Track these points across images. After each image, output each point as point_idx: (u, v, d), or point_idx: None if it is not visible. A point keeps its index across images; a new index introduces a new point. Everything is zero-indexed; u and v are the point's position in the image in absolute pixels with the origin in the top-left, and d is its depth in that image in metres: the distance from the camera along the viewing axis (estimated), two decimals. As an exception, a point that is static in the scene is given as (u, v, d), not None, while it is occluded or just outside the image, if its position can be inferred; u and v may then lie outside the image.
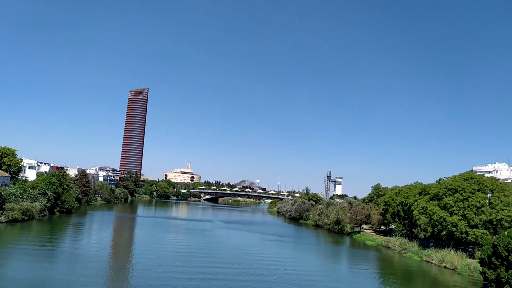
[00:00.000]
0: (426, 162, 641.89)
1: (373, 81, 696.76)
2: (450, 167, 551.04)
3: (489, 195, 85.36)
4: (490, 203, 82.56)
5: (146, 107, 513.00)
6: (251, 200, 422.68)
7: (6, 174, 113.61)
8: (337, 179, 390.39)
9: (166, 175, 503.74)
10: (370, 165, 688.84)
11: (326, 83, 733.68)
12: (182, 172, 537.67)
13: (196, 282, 49.53)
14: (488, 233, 78.55)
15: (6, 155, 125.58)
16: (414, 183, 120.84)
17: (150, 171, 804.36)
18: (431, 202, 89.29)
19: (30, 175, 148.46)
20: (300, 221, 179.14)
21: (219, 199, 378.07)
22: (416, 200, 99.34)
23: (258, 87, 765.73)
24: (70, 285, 44.27)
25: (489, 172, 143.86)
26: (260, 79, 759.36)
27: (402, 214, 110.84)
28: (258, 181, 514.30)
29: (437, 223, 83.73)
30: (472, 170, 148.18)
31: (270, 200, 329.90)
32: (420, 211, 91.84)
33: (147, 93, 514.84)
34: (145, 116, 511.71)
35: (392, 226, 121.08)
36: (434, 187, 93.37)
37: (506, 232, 60.68)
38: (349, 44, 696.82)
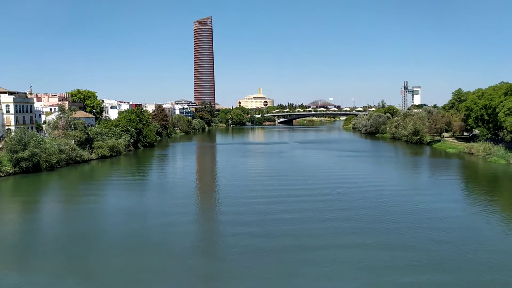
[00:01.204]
0: (509, 60, 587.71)
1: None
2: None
3: None
4: None
5: (212, 36, 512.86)
6: (326, 119, 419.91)
7: (90, 115, 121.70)
8: (414, 89, 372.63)
9: (239, 102, 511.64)
10: (450, 69, 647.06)
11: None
12: (254, 98, 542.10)
13: (278, 205, 49.93)
14: None
15: (87, 98, 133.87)
16: (499, 83, 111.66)
17: (224, 100, 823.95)
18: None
19: (113, 114, 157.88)
20: (377, 135, 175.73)
21: (294, 120, 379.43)
22: (501, 102, 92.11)
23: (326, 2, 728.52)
24: (164, 213, 46.85)
25: None
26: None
27: (486, 118, 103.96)
28: (331, 99, 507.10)
29: (525, 124, 77.72)
30: None
31: (345, 118, 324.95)
32: (506, 112, 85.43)
33: (211, 22, 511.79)
34: (212, 45, 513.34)
35: (476, 132, 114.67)
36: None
37: None
38: None
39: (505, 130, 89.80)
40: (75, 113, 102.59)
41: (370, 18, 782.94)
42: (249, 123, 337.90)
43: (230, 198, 54.70)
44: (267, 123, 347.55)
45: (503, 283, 27.46)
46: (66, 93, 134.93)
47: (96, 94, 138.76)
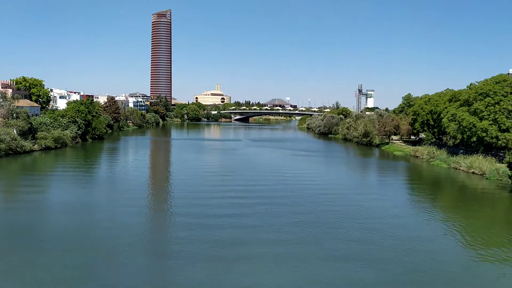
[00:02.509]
0: (459, 68, 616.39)
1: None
2: (485, 71, 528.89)
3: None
4: (524, 105, 78.69)
5: (171, 30, 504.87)
6: (282, 118, 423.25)
7: (35, 105, 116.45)
8: (368, 92, 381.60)
9: (196, 98, 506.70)
10: (402, 75, 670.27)
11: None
12: (212, 94, 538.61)
13: (227, 200, 49.86)
14: (520, 136, 75.69)
15: (34, 86, 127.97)
16: (444, 90, 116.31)
17: (181, 95, 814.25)
18: (460, 108, 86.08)
19: (61, 104, 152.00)
20: (329, 135, 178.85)
21: (250, 118, 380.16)
22: (446, 108, 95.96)
23: (285, 1, 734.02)
24: (112, 208, 45.24)
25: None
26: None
27: (432, 123, 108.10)
28: (288, 98, 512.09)
29: (466, 129, 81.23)
30: (509, 74, 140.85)
31: (300, 117, 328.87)
32: (449, 118, 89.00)
33: (170, 15, 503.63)
34: (170, 39, 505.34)
35: (422, 136, 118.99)
36: (465, 92, 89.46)
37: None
38: None
39: (448, 135, 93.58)
40: (18, 102, 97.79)
41: (328, 21, 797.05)
42: (205, 119, 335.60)
43: (177, 195, 53.81)
44: (223, 120, 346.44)
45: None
46: (11, 80, 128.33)
47: (44, 83, 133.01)
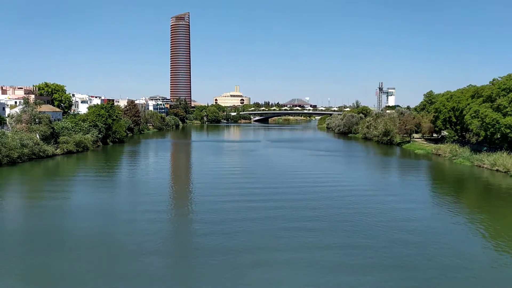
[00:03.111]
0: (482, 64, 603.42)
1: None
2: (509, 67, 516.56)
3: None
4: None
5: (189, 32, 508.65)
6: (302, 118, 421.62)
7: (58, 110, 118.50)
8: (389, 90, 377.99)
9: (216, 99, 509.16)
10: (423, 72, 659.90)
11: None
12: (231, 96, 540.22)
13: (245, 203, 49.36)
14: (546, 132, 73.39)
15: (56, 91, 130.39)
16: (467, 86, 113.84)
17: (201, 97, 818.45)
18: (483, 104, 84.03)
19: (83, 109, 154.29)
20: (349, 135, 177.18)
21: (270, 119, 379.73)
22: (468, 104, 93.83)
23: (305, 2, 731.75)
24: (134, 212, 45.21)
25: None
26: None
27: (454, 120, 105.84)
28: (307, 98, 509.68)
29: (489, 126, 79.18)
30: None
31: (320, 117, 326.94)
32: (472, 115, 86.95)
33: (189, 18, 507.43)
34: (189, 42, 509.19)
35: (444, 133, 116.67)
36: (488, 88, 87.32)
37: None
38: None
39: (471, 132, 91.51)
40: (41, 107, 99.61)
41: (348, 19, 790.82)
42: (225, 121, 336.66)
43: (197, 197, 54.07)
44: (243, 121, 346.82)
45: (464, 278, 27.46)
46: (33, 86, 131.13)
47: (65, 88, 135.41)
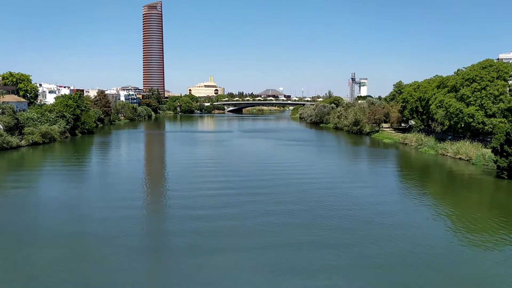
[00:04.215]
0: (450, 54, 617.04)
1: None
2: (476, 57, 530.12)
3: (510, 82, 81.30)
4: (510, 90, 78.82)
5: (162, 22, 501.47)
6: (275, 108, 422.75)
7: (22, 100, 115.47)
8: (361, 80, 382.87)
9: (190, 90, 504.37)
10: (395, 63, 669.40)
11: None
12: (205, 86, 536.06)
13: (216, 191, 50.08)
14: (506, 121, 75.76)
15: (21, 81, 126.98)
16: (433, 76, 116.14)
17: (174, 88, 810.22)
18: (448, 94, 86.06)
19: (50, 99, 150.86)
20: (321, 125, 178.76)
21: (243, 109, 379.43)
22: (434, 94, 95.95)
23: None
24: (106, 203, 44.44)
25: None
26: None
27: (420, 110, 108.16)
28: (281, 88, 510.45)
29: (453, 115, 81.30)
30: (498, 59, 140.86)
31: (293, 107, 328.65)
32: (437, 104, 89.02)
33: (161, 6, 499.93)
34: (162, 31, 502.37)
35: (412, 123, 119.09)
36: (452, 78, 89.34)
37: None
38: None
39: (436, 122, 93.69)
40: (4, 97, 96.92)
41: (320, 12, 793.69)
42: (198, 111, 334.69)
43: (169, 188, 53.88)
44: (217, 111, 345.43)
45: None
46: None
47: (31, 78, 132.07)
